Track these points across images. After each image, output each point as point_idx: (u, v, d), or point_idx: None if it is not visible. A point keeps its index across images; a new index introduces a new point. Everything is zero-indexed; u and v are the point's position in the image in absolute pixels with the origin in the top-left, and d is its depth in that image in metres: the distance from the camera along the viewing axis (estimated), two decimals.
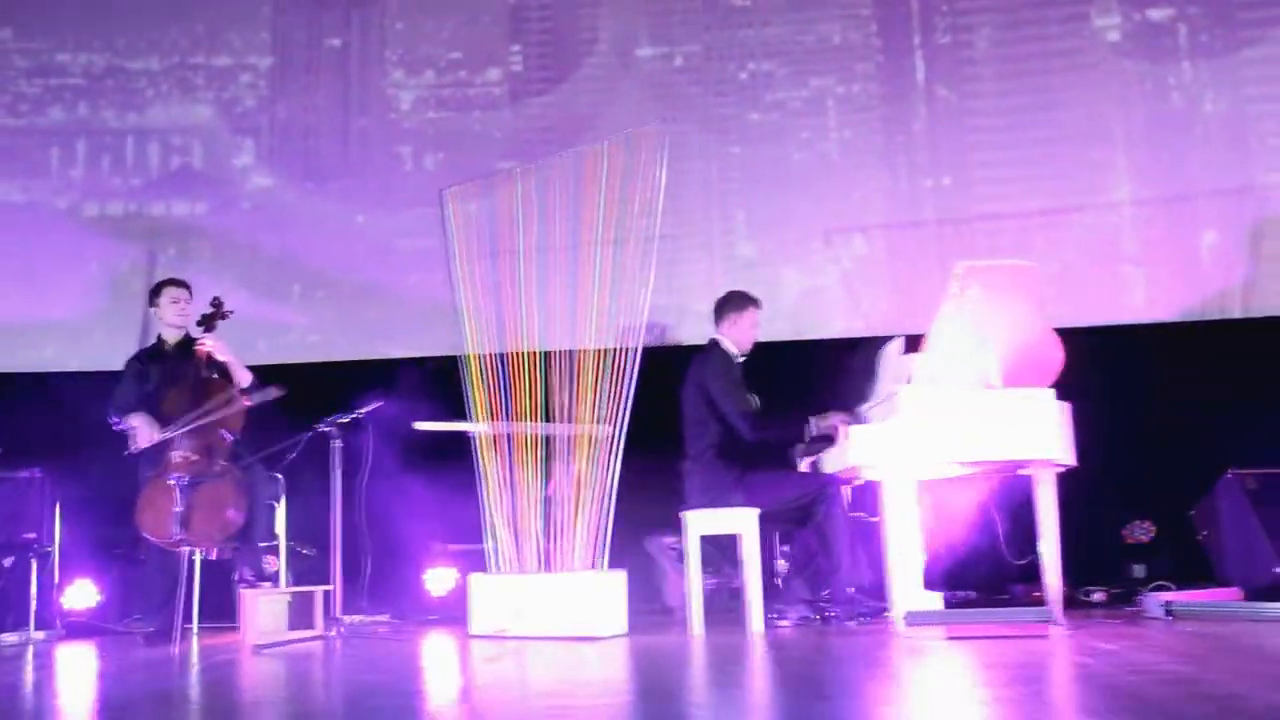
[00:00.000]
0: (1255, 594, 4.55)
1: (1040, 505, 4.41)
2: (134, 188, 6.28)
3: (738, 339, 4.60)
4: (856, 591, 4.24)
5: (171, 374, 4.56)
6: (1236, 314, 5.81)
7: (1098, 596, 4.90)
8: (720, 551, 4.55)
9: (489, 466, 4.45)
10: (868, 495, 5.17)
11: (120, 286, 6.14)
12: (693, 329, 5.79)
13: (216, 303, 4.72)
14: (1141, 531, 5.13)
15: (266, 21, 6.41)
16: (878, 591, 4.41)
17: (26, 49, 6.37)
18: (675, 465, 4.57)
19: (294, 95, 6.37)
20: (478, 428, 4.55)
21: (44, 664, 3.96)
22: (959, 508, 5.19)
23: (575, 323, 4.42)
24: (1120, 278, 5.92)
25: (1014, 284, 4.04)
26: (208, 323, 4.63)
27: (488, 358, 4.56)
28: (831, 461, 4.30)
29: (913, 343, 4.35)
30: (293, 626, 4.49)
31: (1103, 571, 5.14)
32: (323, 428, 3.98)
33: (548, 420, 4.41)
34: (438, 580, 5.45)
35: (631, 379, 4.21)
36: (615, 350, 4.32)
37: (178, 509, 4.18)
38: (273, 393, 4.52)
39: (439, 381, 4.98)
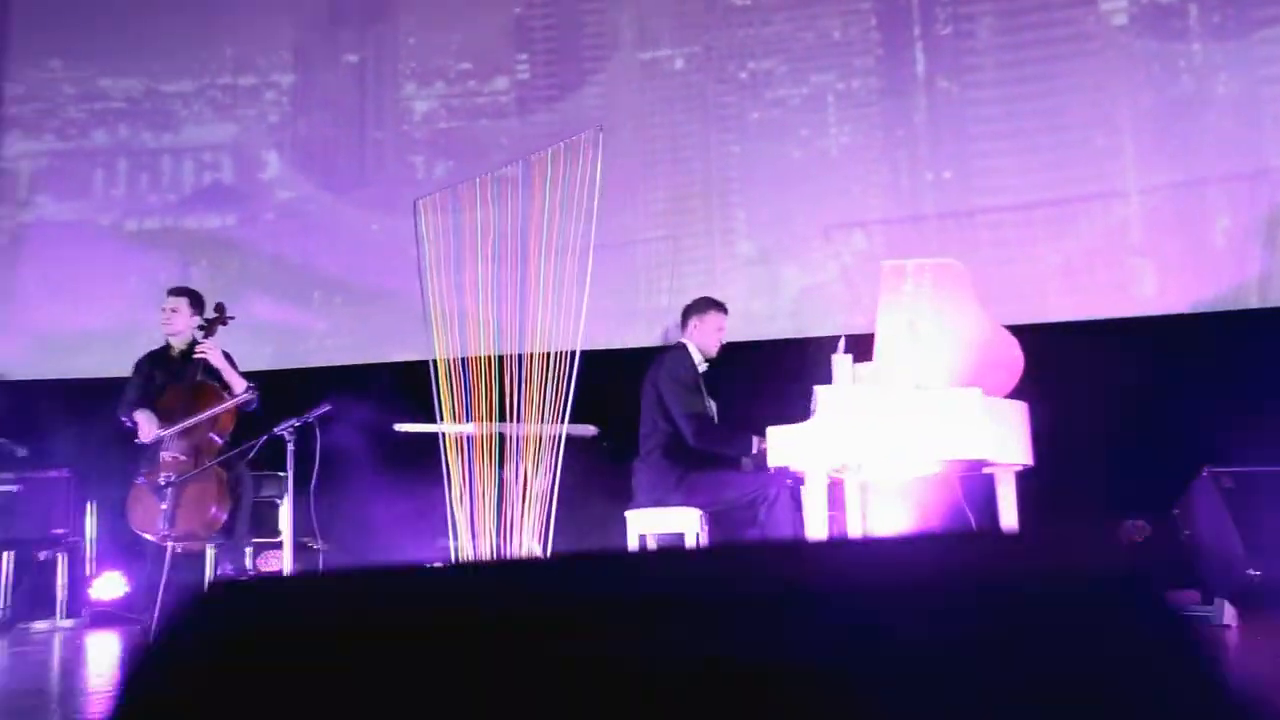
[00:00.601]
0: (1231, 597, 4.40)
1: (1001, 505, 4.37)
2: (169, 204, 6.67)
3: (702, 344, 4.66)
4: None
5: (172, 376, 4.86)
6: (1253, 304, 5.59)
7: None
8: None
9: (454, 467, 4.62)
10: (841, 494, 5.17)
11: (157, 298, 6.51)
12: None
13: (219, 308, 4.99)
14: (1135, 531, 4.99)
15: (289, 41, 6.72)
16: None
17: (74, 77, 6.82)
18: None
19: (314, 110, 6.66)
20: (462, 429, 4.72)
21: (65, 648, 4.31)
22: (933, 507, 5.15)
23: (522, 328, 4.54)
24: (1129, 269, 5.75)
25: (945, 283, 4.00)
26: (209, 328, 4.91)
27: (453, 361, 4.74)
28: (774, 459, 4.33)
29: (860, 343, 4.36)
30: None
31: None
32: (278, 431, 4.21)
33: (504, 420, 4.55)
34: None
35: (572, 381, 4.32)
36: (562, 354, 4.43)
37: (164, 506, 4.47)
38: (253, 402, 4.78)
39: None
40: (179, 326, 4.93)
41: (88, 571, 5.68)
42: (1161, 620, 0.74)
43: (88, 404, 6.09)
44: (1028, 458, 4.32)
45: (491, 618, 0.73)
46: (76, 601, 5.48)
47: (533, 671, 0.70)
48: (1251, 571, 4.28)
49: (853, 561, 0.82)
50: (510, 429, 4.91)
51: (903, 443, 3.82)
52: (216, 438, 4.71)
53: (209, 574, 4.75)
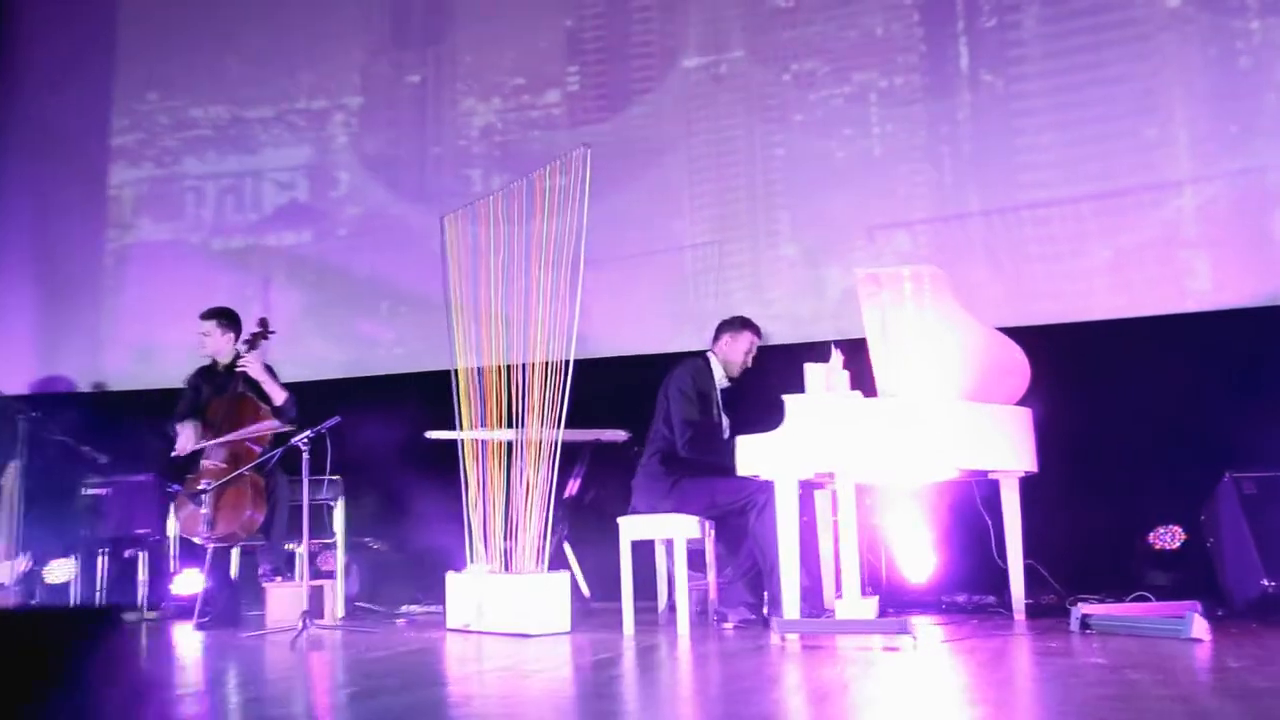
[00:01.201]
0: (1246, 606, 4.21)
1: (1005, 511, 4.32)
2: (251, 223, 7.11)
3: (727, 360, 4.75)
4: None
5: (217, 389, 5.23)
6: None
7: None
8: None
9: (471, 472, 4.82)
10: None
11: (242, 311, 6.96)
12: None
13: (262, 323, 5.34)
14: (1168, 537, 4.79)
15: (357, 65, 7.06)
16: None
17: (168, 107, 7.34)
18: None
19: (379, 130, 6.98)
20: (493, 435, 4.91)
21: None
22: (944, 511, 5.08)
23: (526, 338, 4.70)
24: (1182, 263, 5.50)
25: (924, 289, 3.95)
26: (252, 342, 5.26)
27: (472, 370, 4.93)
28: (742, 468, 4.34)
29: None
30: (312, 615, 5.06)
31: (1126, 578, 4.85)
32: (294, 442, 4.49)
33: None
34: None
35: (567, 388, 4.44)
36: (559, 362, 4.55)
37: (205, 511, 4.83)
38: (288, 411, 5.09)
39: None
40: (213, 347, 5.28)
41: (172, 568, 6.14)
42: None
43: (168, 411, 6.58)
44: (1023, 464, 4.25)
45: None
46: (156, 595, 5.92)
47: None
48: (1266, 582, 4.08)
49: None
50: (542, 434, 5.10)
51: (870, 451, 3.81)
52: (255, 446, 5.04)
53: (233, 571, 5.09)
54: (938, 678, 2.95)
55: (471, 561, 4.72)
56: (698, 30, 6.48)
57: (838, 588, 4.38)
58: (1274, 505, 4.25)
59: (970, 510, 4.73)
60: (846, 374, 4.22)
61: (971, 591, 5.00)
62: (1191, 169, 5.49)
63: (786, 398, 3.92)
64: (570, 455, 5.69)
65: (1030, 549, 5.02)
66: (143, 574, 5.90)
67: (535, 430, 4.50)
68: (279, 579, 5.00)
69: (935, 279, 3.97)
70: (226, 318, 5.37)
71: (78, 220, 7.36)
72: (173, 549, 6.21)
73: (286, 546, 5.70)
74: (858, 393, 4.12)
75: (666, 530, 4.27)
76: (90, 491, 5.99)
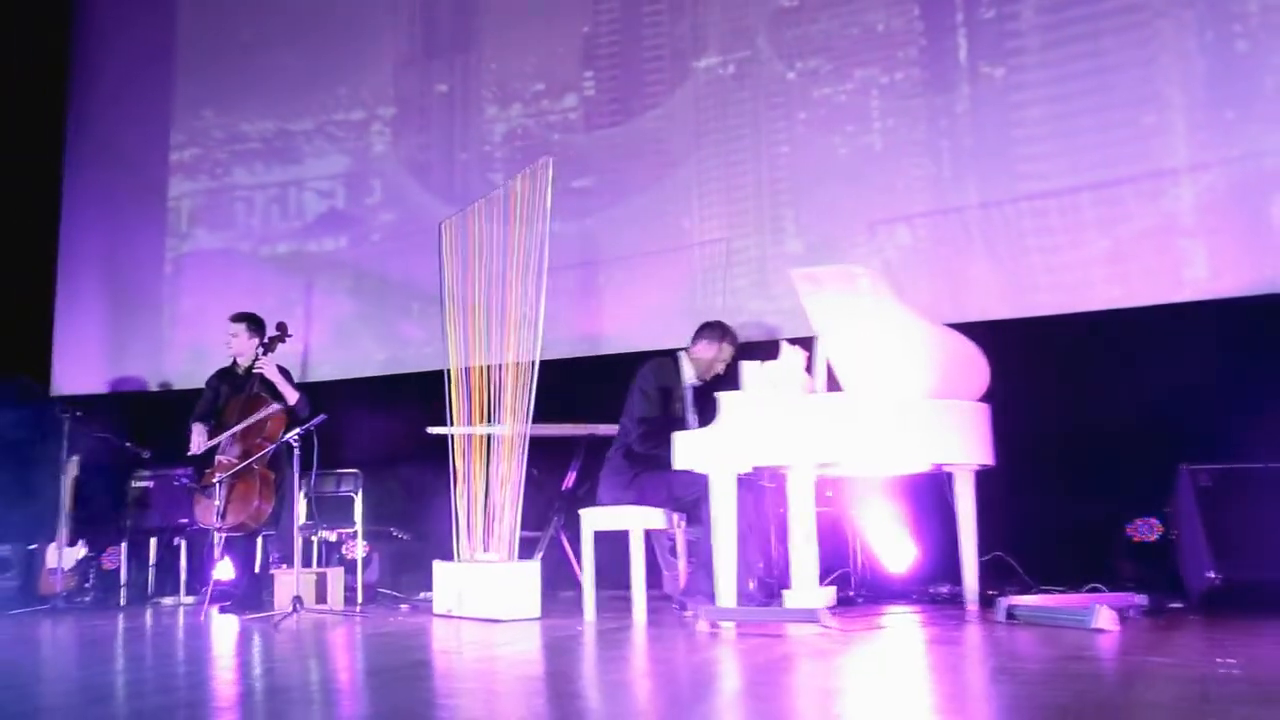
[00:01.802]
0: (1198, 599, 4.18)
1: (959, 503, 4.38)
2: (294, 230, 7.52)
3: (700, 363, 4.89)
4: (755, 586, 4.41)
5: (235, 390, 5.59)
6: None
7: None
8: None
9: (460, 466, 5.07)
10: (833, 490, 5.24)
11: (286, 314, 7.36)
12: (749, 329, 6.02)
13: (280, 327, 5.69)
14: (1147, 529, 4.75)
15: (390, 76, 7.39)
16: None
17: (221, 123, 7.80)
18: None
19: (411, 137, 7.30)
20: (491, 430, 5.17)
21: (182, 620, 5.13)
22: (915, 506, 5.12)
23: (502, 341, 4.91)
24: (1180, 252, 5.41)
25: (861, 287, 4.04)
26: (270, 345, 5.61)
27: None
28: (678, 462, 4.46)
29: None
30: (319, 600, 5.39)
31: (1101, 570, 4.82)
32: (285, 438, 4.80)
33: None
34: None
35: (532, 388, 4.65)
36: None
37: (217, 503, 5.20)
38: (301, 410, 5.43)
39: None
40: (239, 348, 5.64)
41: (216, 555, 6.56)
42: None
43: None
44: (972, 458, 4.30)
45: None
46: (196, 581, 6.35)
47: None
48: (1211, 575, 4.05)
49: None
50: (535, 430, 5.34)
51: (802, 446, 3.92)
52: (266, 442, 5.38)
53: (257, 560, 5.44)
54: (790, 663, 3.07)
55: (458, 551, 4.98)
56: (706, 32, 6.60)
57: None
58: (1229, 497, 4.20)
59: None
60: (798, 369, 4.31)
61: (954, 582, 5.04)
62: (1188, 156, 5.40)
63: (720, 395, 4.05)
64: (567, 449, 5.93)
65: (1011, 539, 5.06)
66: (184, 561, 6.35)
67: (510, 426, 4.71)
68: (284, 566, 5.34)
69: (869, 277, 4.05)
70: (253, 322, 5.72)
71: (141, 230, 7.88)
72: (217, 537, 6.66)
73: (320, 535, 6.08)
74: (819, 386, 4.23)
75: (624, 522, 4.44)
76: (137, 484, 6.45)
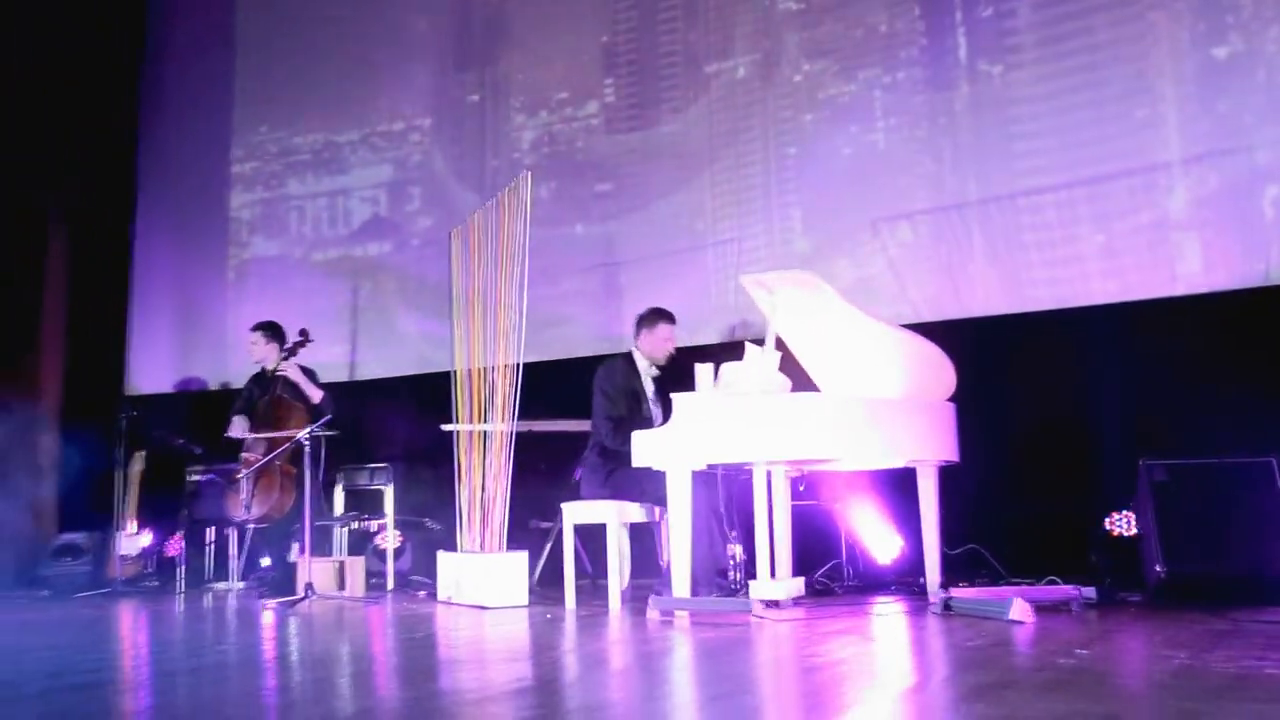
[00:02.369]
0: (1151, 594, 4.26)
1: (921, 498, 4.53)
2: (341, 237, 7.96)
3: (650, 352, 5.13)
4: (720, 575, 4.63)
5: (264, 391, 6.03)
6: None
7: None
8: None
9: (463, 461, 5.41)
10: (819, 484, 5.42)
11: (335, 317, 7.84)
12: (761, 327, 6.20)
13: (302, 333, 6.09)
14: (1125, 523, 4.81)
15: (427, 88, 7.77)
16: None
17: (275, 137, 8.29)
18: None
19: (445, 146, 7.66)
20: (498, 427, 5.49)
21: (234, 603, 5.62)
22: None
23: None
24: (1172, 246, 5.43)
25: (806, 290, 4.21)
26: (292, 350, 6.03)
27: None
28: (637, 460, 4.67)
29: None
30: (341, 587, 5.80)
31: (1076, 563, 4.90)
32: (299, 439, 5.20)
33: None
34: None
35: (517, 388, 4.95)
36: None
37: (243, 496, 5.64)
38: (325, 411, 5.83)
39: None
40: (259, 354, 6.08)
41: (247, 545, 7.04)
42: None
43: None
44: (929, 455, 4.44)
45: None
46: (249, 568, 6.83)
47: None
48: (1159, 568, 4.12)
49: None
50: (551, 426, 5.67)
51: (748, 444, 4.12)
52: (286, 441, 5.79)
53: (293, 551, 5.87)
54: (692, 649, 3.28)
55: (461, 542, 5.31)
56: (717, 37, 6.79)
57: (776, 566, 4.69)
58: (1183, 492, 4.25)
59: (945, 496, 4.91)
60: (770, 369, 4.50)
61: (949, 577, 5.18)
62: (1181, 149, 5.40)
63: (674, 396, 4.28)
64: (573, 445, 6.21)
65: (994, 532, 5.18)
66: (233, 549, 6.83)
67: (502, 423, 5.02)
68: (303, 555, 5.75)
69: (815, 282, 4.22)
70: (270, 329, 6.15)
71: (206, 240, 8.42)
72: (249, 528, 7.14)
73: (354, 526, 6.50)
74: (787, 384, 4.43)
75: (599, 515, 4.71)
76: (194, 478, 6.96)
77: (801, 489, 5.20)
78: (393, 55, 7.90)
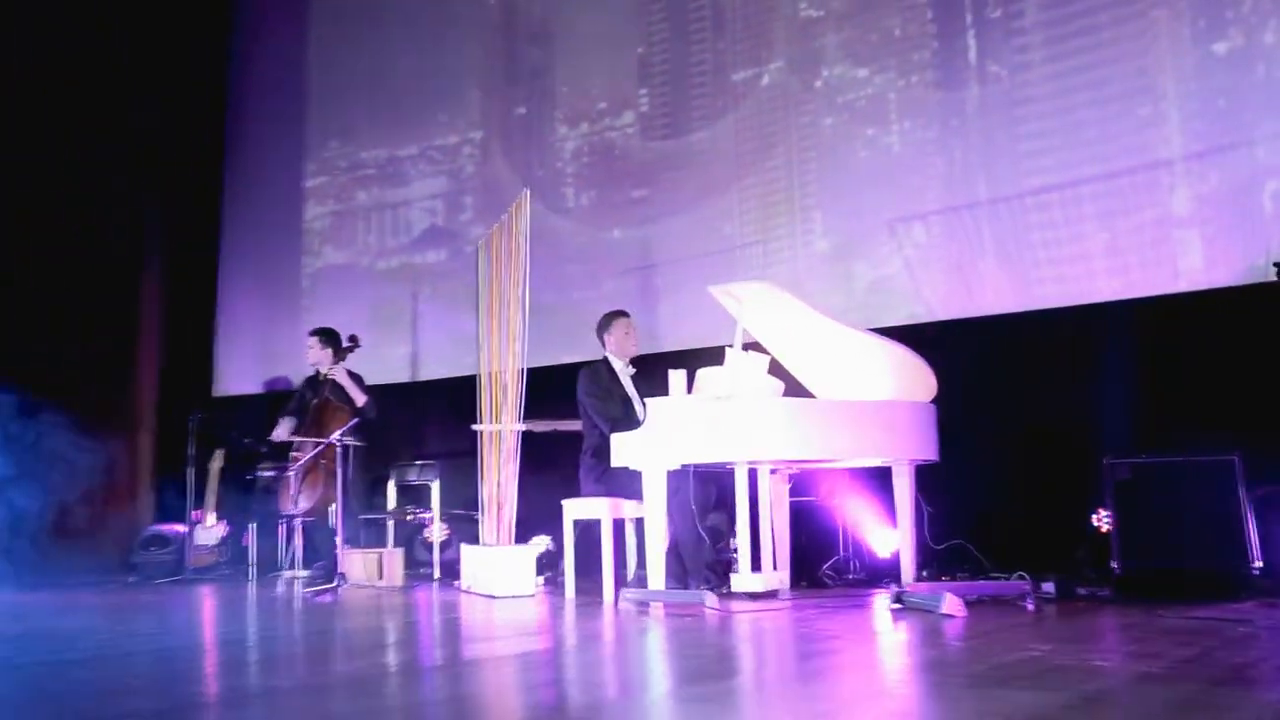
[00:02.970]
0: (1114, 590, 4.35)
1: (896, 496, 4.72)
2: (402, 245, 8.44)
3: (619, 351, 5.45)
4: (709, 569, 4.89)
5: (315, 394, 6.52)
6: None
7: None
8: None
9: (487, 459, 5.78)
10: (817, 482, 5.63)
11: (397, 322, 8.32)
12: None
13: (352, 339, 6.57)
14: (1107, 519, 4.88)
15: (478, 102, 8.17)
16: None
17: (344, 152, 8.82)
18: None
19: (495, 158, 8.06)
20: (520, 427, 5.86)
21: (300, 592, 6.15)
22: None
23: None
24: (1175, 243, 5.44)
25: (770, 299, 4.43)
26: (341, 355, 6.50)
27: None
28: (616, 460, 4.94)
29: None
30: (380, 577, 6.24)
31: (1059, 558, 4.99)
32: (331, 439, 5.65)
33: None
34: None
35: (522, 391, 5.29)
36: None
37: (292, 491, 6.13)
38: (367, 412, 6.28)
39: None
40: (315, 358, 6.56)
41: (297, 539, 7.55)
42: None
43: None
44: (901, 453, 4.61)
45: None
46: (313, 559, 7.34)
47: None
48: (1114, 564, 4.22)
49: None
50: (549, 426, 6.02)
51: (713, 445, 4.37)
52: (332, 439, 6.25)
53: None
54: (644, 637, 3.56)
55: (480, 536, 5.69)
56: (743, 45, 7.00)
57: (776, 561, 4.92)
58: (1144, 490, 4.32)
59: (935, 493, 5.07)
60: (758, 372, 4.73)
61: (929, 567, 5.33)
62: (1182, 146, 5.41)
63: (649, 400, 4.55)
64: None
65: (988, 529, 5.30)
66: (298, 541, 7.36)
67: (509, 424, 5.37)
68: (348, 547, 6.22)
69: (772, 291, 4.43)
70: (326, 335, 6.63)
71: (283, 250, 9.02)
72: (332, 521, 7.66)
73: (407, 518, 6.96)
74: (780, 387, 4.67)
75: (596, 511, 5.01)
76: (264, 475, 7.52)
77: (788, 485, 5.40)
78: (448, 74, 8.33)
